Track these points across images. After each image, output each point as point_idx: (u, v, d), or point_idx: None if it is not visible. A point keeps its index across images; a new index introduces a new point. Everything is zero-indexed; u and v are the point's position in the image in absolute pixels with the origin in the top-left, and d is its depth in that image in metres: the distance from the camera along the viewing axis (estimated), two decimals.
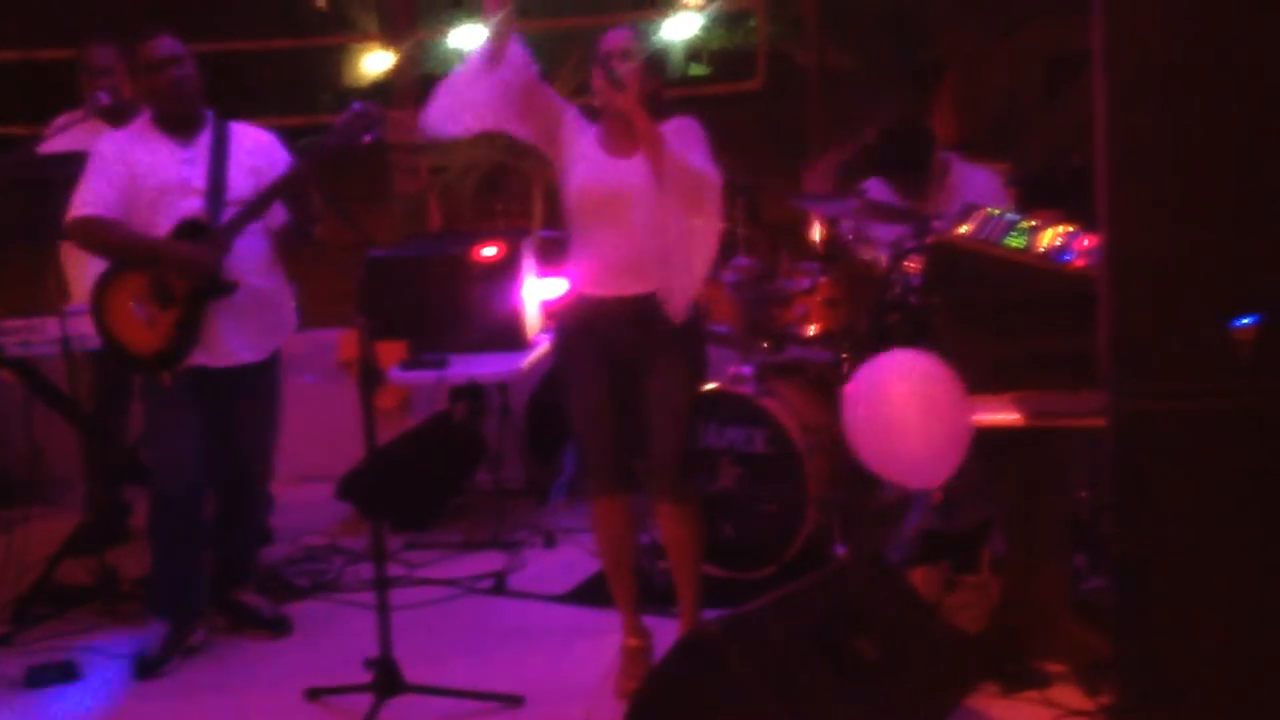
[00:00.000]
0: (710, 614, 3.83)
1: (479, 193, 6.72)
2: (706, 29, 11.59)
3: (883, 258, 4.20)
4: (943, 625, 3.65)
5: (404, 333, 5.03)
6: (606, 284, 3.69)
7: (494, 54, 3.61)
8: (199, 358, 4.10)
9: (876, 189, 4.43)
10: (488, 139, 6.66)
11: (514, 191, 6.58)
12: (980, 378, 3.31)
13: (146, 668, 4.08)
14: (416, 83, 6.73)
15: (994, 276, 3.35)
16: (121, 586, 4.54)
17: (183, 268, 4.03)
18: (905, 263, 3.91)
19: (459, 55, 8.01)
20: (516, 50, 3.63)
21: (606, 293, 3.69)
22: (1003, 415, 3.39)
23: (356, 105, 4.03)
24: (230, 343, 4.13)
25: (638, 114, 3.57)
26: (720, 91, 9.98)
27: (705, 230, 3.58)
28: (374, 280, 4.48)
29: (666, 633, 3.89)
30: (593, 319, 3.72)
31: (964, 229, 3.41)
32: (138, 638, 4.19)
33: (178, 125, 4.15)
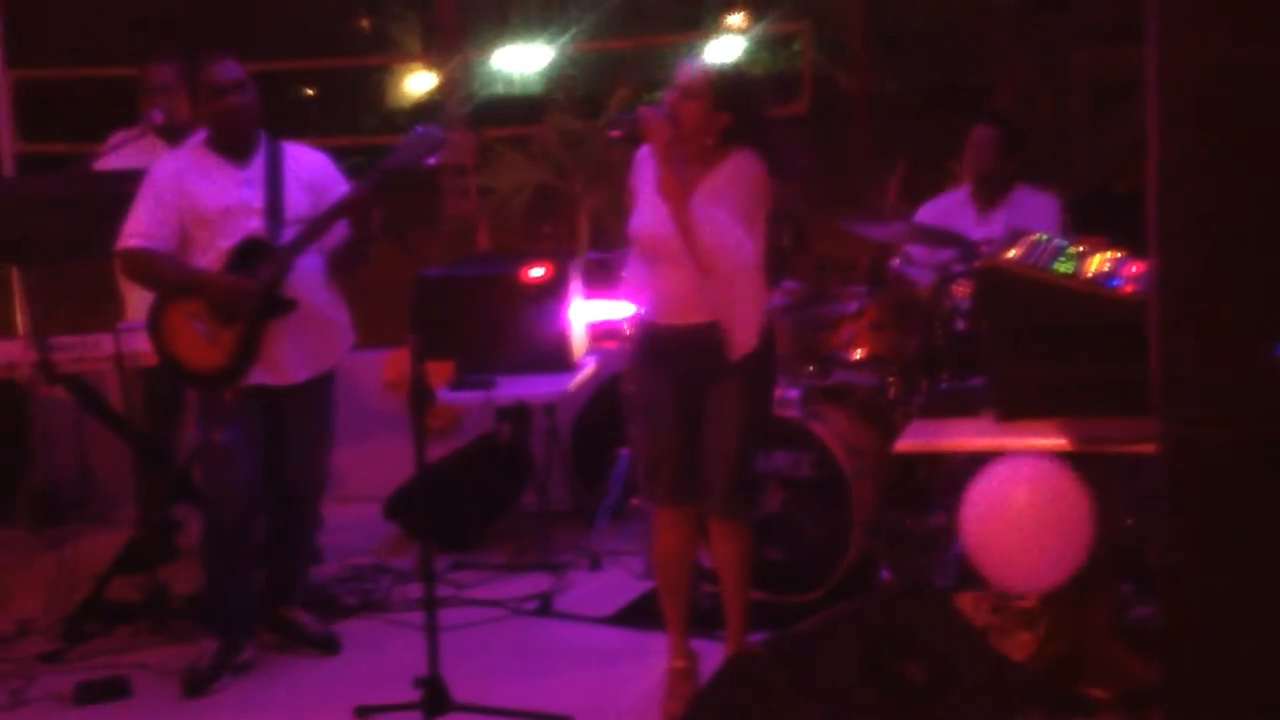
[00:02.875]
0: (756, 637, 3.86)
1: (527, 214, 6.78)
2: (751, 52, 11.64)
3: (930, 282, 4.20)
4: (990, 651, 3.63)
5: (453, 353, 5.05)
6: (666, 313, 3.77)
7: None
8: (258, 376, 4.14)
9: (935, 207, 4.44)
10: (534, 160, 6.74)
11: (561, 213, 6.63)
12: (1027, 403, 3.30)
13: (196, 685, 4.11)
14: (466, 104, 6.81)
15: (1042, 302, 3.34)
16: (171, 604, 4.58)
17: (227, 298, 4.07)
18: (953, 287, 3.91)
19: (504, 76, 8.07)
20: None
21: (667, 321, 3.77)
22: (1050, 441, 3.38)
23: (420, 128, 4.07)
24: (288, 360, 4.17)
25: (665, 171, 3.58)
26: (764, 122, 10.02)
27: (745, 288, 3.64)
28: (425, 300, 4.54)
29: (711, 656, 3.91)
30: (659, 343, 3.80)
31: (1012, 254, 3.41)
32: (187, 655, 4.22)
33: (234, 148, 4.19)
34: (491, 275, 5.29)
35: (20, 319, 6.22)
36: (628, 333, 4.94)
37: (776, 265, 4.14)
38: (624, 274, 3.90)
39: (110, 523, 5.54)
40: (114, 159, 4.79)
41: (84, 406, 4.74)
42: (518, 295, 5.15)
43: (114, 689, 4.12)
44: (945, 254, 4.24)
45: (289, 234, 4.13)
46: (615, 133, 3.76)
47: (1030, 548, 3.28)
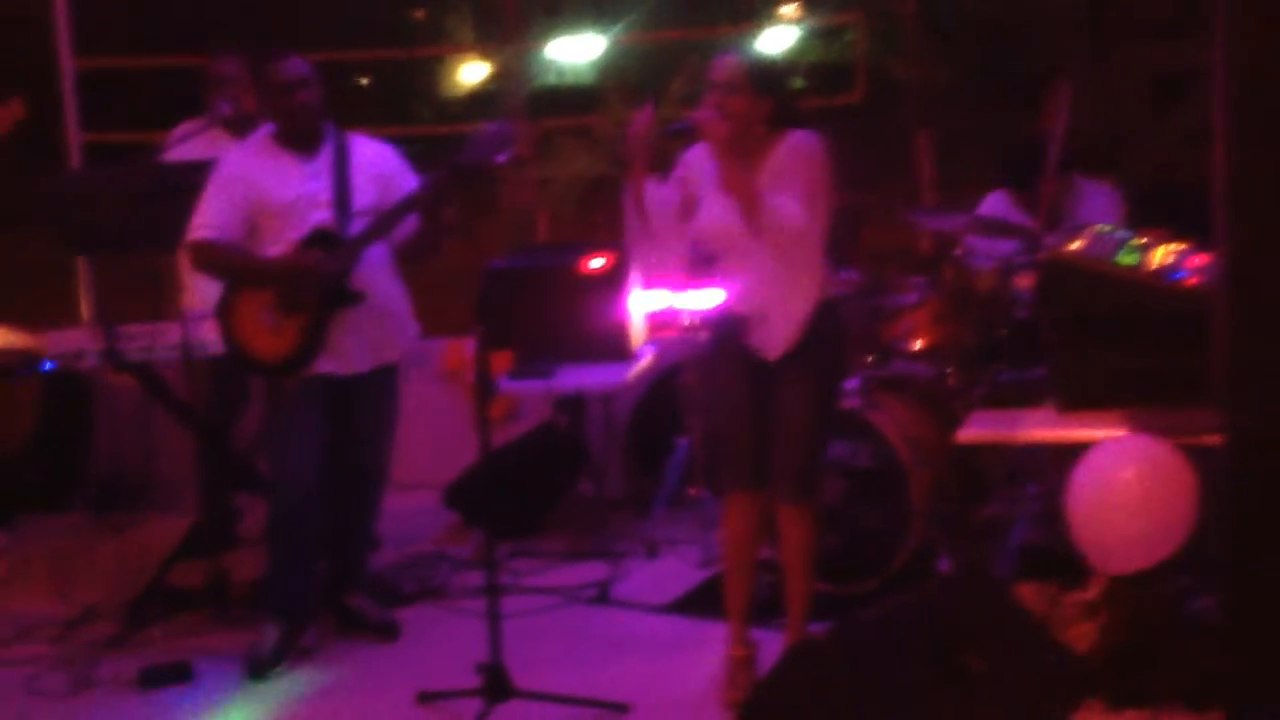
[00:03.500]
0: (815, 627, 3.87)
1: (584, 204, 6.79)
2: (803, 42, 11.59)
3: (992, 273, 4.19)
4: (1051, 641, 3.62)
5: (514, 342, 5.08)
6: (736, 300, 3.80)
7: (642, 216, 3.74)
8: (324, 365, 4.19)
9: (992, 204, 4.42)
10: (592, 150, 6.76)
11: (617, 203, 6.63)
12: (1090, 394, 3.29)
13: (259, 669, 4.16)
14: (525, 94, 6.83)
15: (1105, 293, 3.33)
16: (232, 590, 4.63)
17: (297, 280, 4.12)
18: (1016, 279, 3.90)
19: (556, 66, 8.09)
20: (653, 198, 3.75)
21: (736, 308, 3.80)
22: (1112, 431, 3.37)
23: (491, 125, 4.10)
24: (353, 350, 4.21)
25: (728, 167, 3.61)
26: (818, 105, 9.99)
27: (802, 278, 3.66)
28: (491, 290, 4.57)
29: (769, 645, 3.93)
30: (735, 330, 3.82)
31: (1075, 245, 3.40)
32: (249, 640, 4.27)
33: (301, 141, 4.23)
34: (557, 266, 5.31)
35: (85, 307, 6.34)
36: (691, 323, 4.97)
37: (834, 255, 4.15)
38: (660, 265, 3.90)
39: (171, 510, 5.61)
40: (180, 150, 4.84)
41: (149, 394, 4.80)
42: (580, 286, 5.17)
43: (178, 673, 4.18)
44: (1006, 246, 4.22)
45: (356, 225, 4.17)
46: (674, 137, 3.78)
47: (1136, 527, 3.27)
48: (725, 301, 3.86)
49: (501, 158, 4.05)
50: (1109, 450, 3.32)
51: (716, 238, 3.79)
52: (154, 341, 4.62)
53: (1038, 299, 3.64)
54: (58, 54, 6.30)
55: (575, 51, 11.13)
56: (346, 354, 4.20)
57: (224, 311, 4.23)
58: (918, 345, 4.44)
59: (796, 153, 3.68)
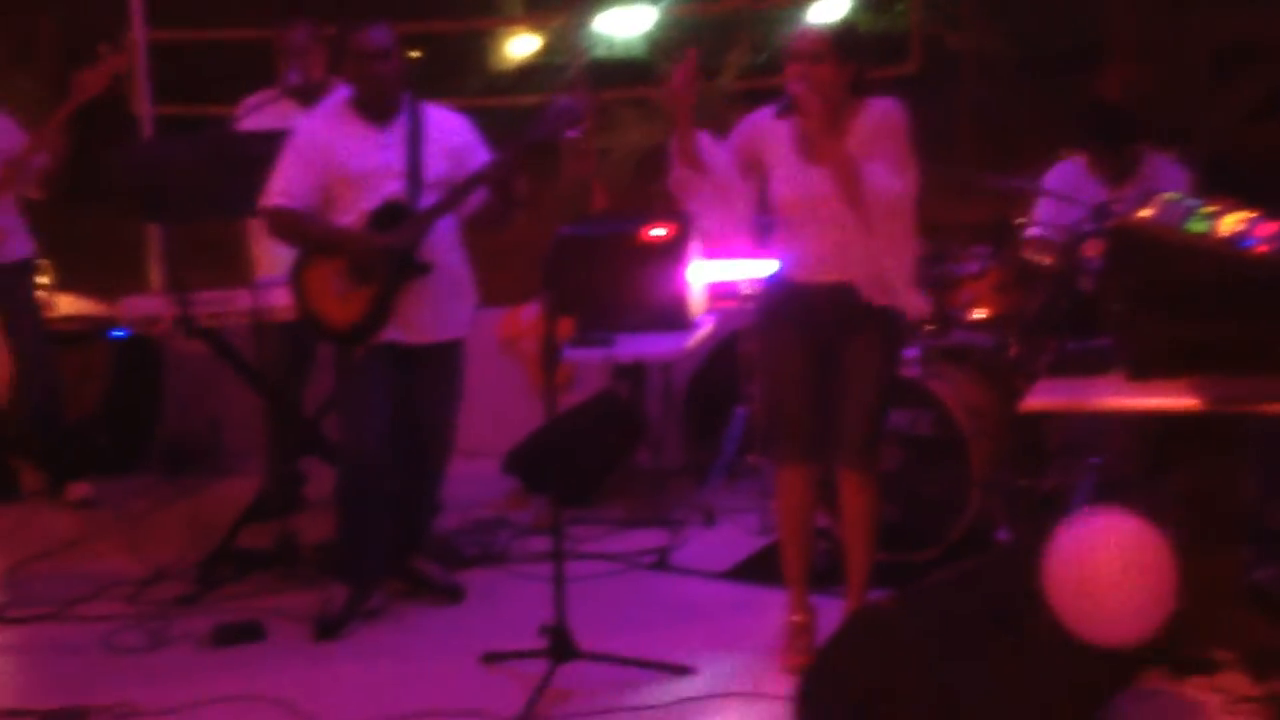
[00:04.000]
0: (874, 594, 3.91)
1: (641, 175, 6.83)
2: (855, 12, 11.53)
3: (1057, 242, 4.19)
4: None
5: (576, 310, 5.13)
6: (809, 271, 3.80)
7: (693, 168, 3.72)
8: (392, 333, 4.24)
9: (1060, 174, 4.42)
10: (650, 120, 6.78)
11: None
12: (1159, 363, 3.30)
13: (327, 629, 4.24)
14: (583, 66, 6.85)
15: (1175, 261, 3.33)
16: (300, 552, 4.72)
17: (364, 255, 4.17)
18: (1082, 247, 3.90)
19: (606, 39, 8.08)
20: (711, 155, 3.75)
21: (809, 279, 3.80)
22: (1180, 400, 3.38)
23: (562, 100, 4.11)
24: (423, 320, 4.26)
25: (823, 137, 3.62)
26: (872, 76, 9.96)
27: (901, 240, 3.67)
28: (558, 258, 4.60)
29: (829, 612, 3.95)
30: (796, 300, 3.84)
31: (1145, 213, 3.40)
32: (316, 601, 4.35)
33: (377, 111, 4.26)
34: (622, 234, 5.34)
35: (154, 275, 6.45)
36: (751, 292, 4.99)
37: None
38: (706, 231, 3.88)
39: (238, 473, 5.73)
40: (250, 120, 4.90)
41: (219, 360, 4.89)
42: (642, 255, 5.21)
43: (249, 631, 4.26)
44: (1070, 215, 4.22)
45: (428, 197, 4.21)
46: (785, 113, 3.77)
47: (1116, 603, 3.27)
48: (791, 270, 3.85)
49: (571, 133, 4.08)
50: (1084, 528, 3.34)
51: (799, 206, 3.77)
52: (225, 308, 4.70)
53: (1106, 267, 3.64)
54: (131, 25, 6.38)
55: (626, 24, 11.12)
56: (413, 324, 4.26)
57: (297, 277, 4.29)
58: (979, 315, 4.45)
59: (885, 120, 3.69)
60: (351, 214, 4.22)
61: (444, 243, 4.28)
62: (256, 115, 4.91)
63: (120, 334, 5.94)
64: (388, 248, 4.15)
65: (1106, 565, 3.26)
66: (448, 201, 4.18)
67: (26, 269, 5.58)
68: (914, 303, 3.77)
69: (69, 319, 6.02)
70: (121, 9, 6.47)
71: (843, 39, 3.72)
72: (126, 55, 5.27)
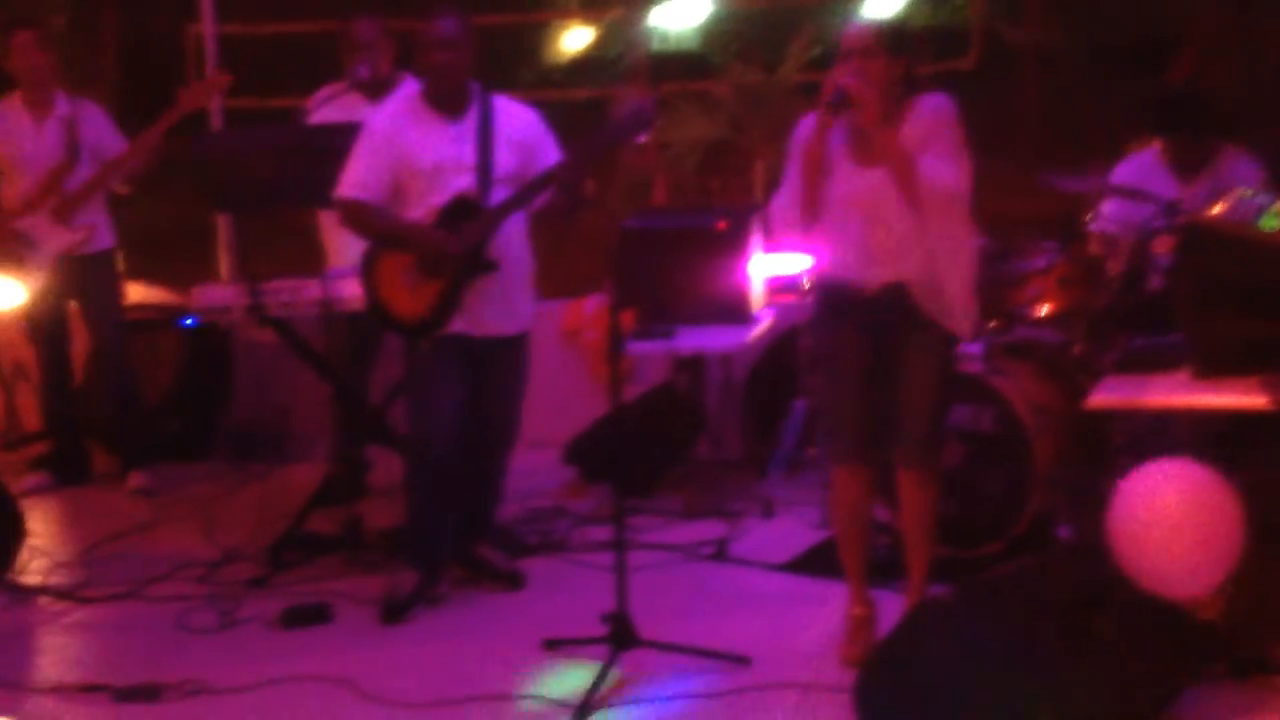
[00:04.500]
0: (934, 589, 3.92)
1: (701, 168, 6.85)
2: (913, 6, 11.47)
3: (1125, 239, 4.19)
4: (1176, 609, 3.65)
5: (638, 302, 5.17)
6: (861, 271, 3.78)
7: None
8: (459, 325, 4.29)
9: (1128, 169, 4.40)
10: (711, 115, 6.81)
11: (736, 166, 6.69)
12: (1229, 360, 3.30)
13: (394, 612, 4.31)
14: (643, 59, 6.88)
15: (1247, 258, 3.33)
16: (366, 537, 4.79)
17: (434, 253, 4.20)
18: (1151, 244, 3.90)
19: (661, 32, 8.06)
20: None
21: (862, 278, 3.78)
22: (1248, 398, 3.37)
23: (634, 102, 4.17)
24: (489, 315, 4.30)
25: (878, 133, 3.62)
26: (930, 70, 9.91)
27: (957, 238, 3.67)
28: (623, 251, 4.66)
29: (889, 606, 3.97)
30: (850, 299, 3.82)
31: (1216, 210, 3.39)
32: (382, 585, 4.43)
33: (446, 102, 4.29)
34: (687, 227, 5.38)
35: (224, 264, 6.56)
36: (809, 288, 5.00)
37: None
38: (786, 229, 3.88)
39: (304, 460, 5.82)
40: (320, 114, 4.98)
41: (288, 348, 4.97)
42: (703, 248, 5.25)
43: (318, 614, 4.35)
44: (1140, 211, 4.21)
45: (498, 192, 4.24)
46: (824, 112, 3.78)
47: (1181, 553, 3.27)
48: (845, 270, 3.81)
49: (641, 137, 4.09)
50: (1151, 475, 3.32)
51: (853, 206, 3.75)
52: (294, 297, 4.78)
53: (1176, 264, 3.64)
54: (200, 18, 6.49)
55: (680, 17, 11.09)
56: (480, 318, 4.30)
57: (367, 269, 4.35)
58: (1044, 311, 4.45)
59: (936, 116, 3.68)
60: (420, 207, 4.27)
61: (512, 239, 4.32)
62: (326, 108, 4.98)
63: (190, 322, 6.03)
64: (451, 247, 4.19)
65: (1171, 511, 3.23)
66: (516, 200, 4.21)
67: (109, 260, 5.68)
68: (963, 325, 3.74)
69: (140, 307, 6.13)
70: (187, 2, 6.59)
71: (894, 34, 3.72)
72: (227, 80, 5.37)
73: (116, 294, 5.74)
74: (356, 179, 4.28)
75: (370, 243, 4.35)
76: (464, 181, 4.25)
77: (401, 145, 4.26)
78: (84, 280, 5.58)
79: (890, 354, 3.80)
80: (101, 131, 5.56)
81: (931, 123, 3.68)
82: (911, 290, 3.73)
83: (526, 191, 4.21)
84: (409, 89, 4.41)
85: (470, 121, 4.30)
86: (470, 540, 4.59)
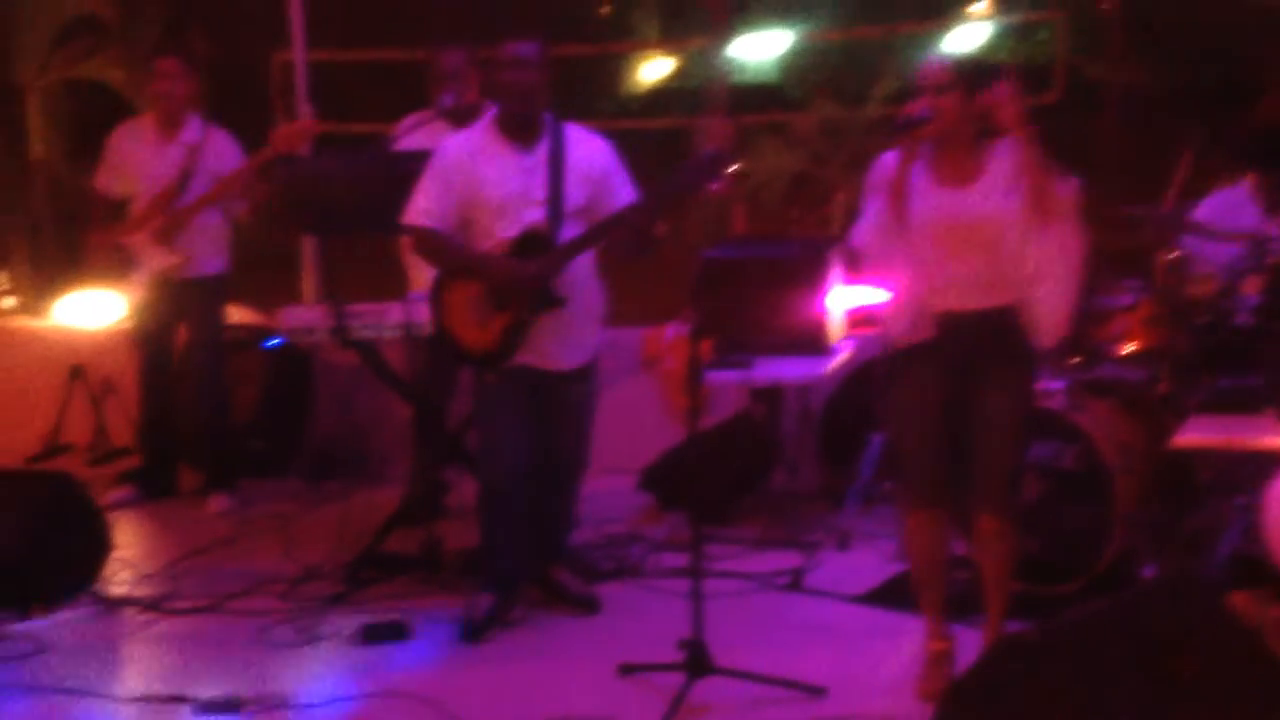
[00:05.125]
0: (1012, 626, 3.90)
1: (781, 199, 6.88)
2: (995, 40, 11.45)
3: (1212, 277, 4.15)
4: (1264, 651, 3.59)
5: (715, 332, 5.19)
6: (950, 299, 3.75)
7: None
8: (525, 357, 4.28)
9: (1213, 205, 4.37)
10: (791, 147, 6.84)
11: (816, 197, 6.71)
12: None
13: (471, 633, 4.35)
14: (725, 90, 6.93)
15: None
16: (444, 557, 4.83)
17: (504, 284, 4.21)
18: (1240, 283, 3.86)
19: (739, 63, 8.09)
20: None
21: (949, 307, 3.75)
22: None
23: (709, 151, 4.13)
24: (555, 349, 4.31)
25: (961, 156, 3.63)
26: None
27: (1070, 246, 3.66)
28: (704, 280, 4.68)
29: (967, 641, 3.94)
30: (930, 332, 3.78)
31: None
32: (461, 604, 4.46)
33: (518, 129, 4.28)
34: (766, 258, 5.40)
35: (307, 286, 6.67)
36: (885, 321, 4.99)
37: None
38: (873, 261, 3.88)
39: (382, 480, 5.89)
40: (407, 141, 5.05)
41: (371, 371, 5.04)
42: (783, 279, 5.26)
43: (396, 632, 4.39)
44: (1226, 249, 4.18)
45: (568, 227, 4.23)
46: (902, 132, 3.78)
47: None
48: (928, 299, 3.79)
49: (714, 185, 4.07)
50: None
51: (941, 232, 3.73)
52: (378, 320, 4.86)
53: (1265, 304, 3.60)
54: (287, 47, 6.62)
55: (759, 48, 11.12)
56: (546, 352, 4.30)
57: (436, 297, 4.36)
58: (1128, 349, 4.41)
59: (1017, 156, 3.66)
60: (490, 238, 4.26)
61: (579, 273, 4.31)
62: (412, 136, 5.05)
63: (275, 342, 6.15)
64: (521, 279, 4.18)
65: None
66: (587, 239, 4.20)
67: (212, 286, 5.74)
68: (1048, 335, 3.71)
69: (226, 327, 6.23)
70: (275, 27, 6.71)
71: (969, 70, 3.71)
72: (317, 126, 5.47)
73: (215, 320, 5.79)
74: (425, 206, 4.27)
75: (440, 271, 4.35)
76: (534, 215, 4.24)
77: (471, 174, 4.25)
78: (184, 303, 5.68)
79: (966, 395, 3.76)
80: (224, 160, 5.60)
81: (1018, 166, 3.66)
82: (996, 316, 3.71)
83: (597, 231, 4.20)
84: (485, 117, 4.41)
85: (541, 153, 4.28)
86: (547, 563, 4.61)
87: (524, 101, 4.25)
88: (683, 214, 7.05)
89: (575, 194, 4.26)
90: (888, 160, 3.78)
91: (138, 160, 5.66)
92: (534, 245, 4.22)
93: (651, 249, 4.27)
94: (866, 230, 3.82)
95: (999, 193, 3.68)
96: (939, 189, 3.73)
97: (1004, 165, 3.69)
